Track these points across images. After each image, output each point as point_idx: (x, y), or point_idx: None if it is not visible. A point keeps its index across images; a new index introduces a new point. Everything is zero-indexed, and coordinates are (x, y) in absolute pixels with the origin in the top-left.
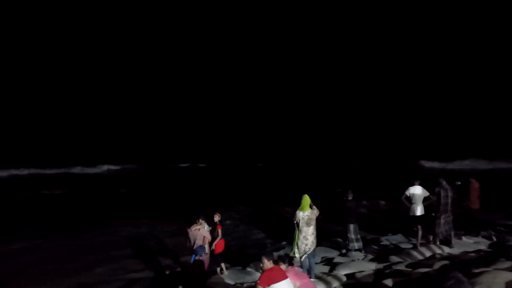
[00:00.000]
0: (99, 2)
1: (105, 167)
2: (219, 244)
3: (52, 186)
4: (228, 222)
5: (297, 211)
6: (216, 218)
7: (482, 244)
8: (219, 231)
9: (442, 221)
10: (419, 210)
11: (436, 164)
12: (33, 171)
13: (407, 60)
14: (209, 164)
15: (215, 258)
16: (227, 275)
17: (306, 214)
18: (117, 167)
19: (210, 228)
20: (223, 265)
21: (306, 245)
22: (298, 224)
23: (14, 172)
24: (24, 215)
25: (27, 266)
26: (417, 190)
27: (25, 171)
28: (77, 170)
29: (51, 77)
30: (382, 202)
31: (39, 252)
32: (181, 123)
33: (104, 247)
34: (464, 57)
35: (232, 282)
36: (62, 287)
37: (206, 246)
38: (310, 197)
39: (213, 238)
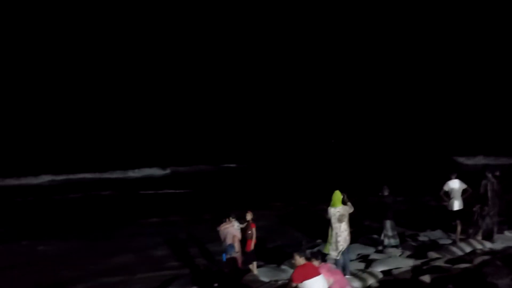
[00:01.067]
0: (99, 2)
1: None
2: (252, 242)
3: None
4: (263, 220)
5: (329, 208)
6: (249, 216)
7: None
8: (253, 229)
9: (488, 215)
10: (457, 205)
11: (469, 161)
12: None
13: (439, 58)
14: (244, 164)
15: (247, 256)
16: (257, 273)
17: (337, 210)
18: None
19: (243, 226)
20: (255, 263)
21: (339, 241)
22: (330, 221)
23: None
24: (69, 217)
25: (63, 265)
26: (455, 184)
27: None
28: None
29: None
30: (420, 198)
31: (72, 252)
32: (219, 123)
33: (140, 246)
34: (497, 55)
35: (266, 280)
36: (101, 286)
37: (236, 245)
38: (347, 194)
39: (247, 236)
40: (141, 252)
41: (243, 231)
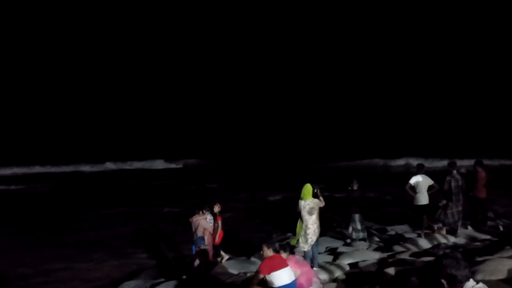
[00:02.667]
0: (99, 2)
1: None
2: (219, 235)
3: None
4: (233, 213)
5: (300, 200)
6: (216, 208)
7: (488, 233)
8: (219, 222)
9: (451, 210)
10: (423, 200)
11: (394, 162)
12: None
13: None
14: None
15: (216, 249)
16: (226, 264)
17: (307, 203)
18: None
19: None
20: (223, 253)
21: (308, 234)
22: (300, 213)
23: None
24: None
25: (27, 259)
26: (421, 179)
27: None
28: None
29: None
30: (387, 192)
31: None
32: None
33: (107, 238)
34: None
35: (235, 272)
36: (66, 278)
37: (206, 237)
38: (320, 188)
39: (213, 229)
40: (107, 243)
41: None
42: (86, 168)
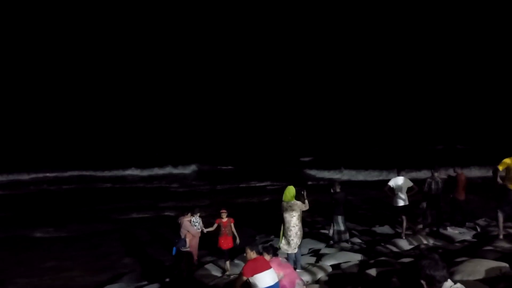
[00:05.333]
0: (99, 2)
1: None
2: (229, 240)
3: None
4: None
5: (282, 202)
6: (224, 215)
7: (467, 234)
8: (232, 225)
9: (431, 212)
10: (401, 201)
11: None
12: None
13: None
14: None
15: (223, 254)
16: (209, 267)
17: (289, 205)
18: None
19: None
20: (227, 263)
21: (290, 236)
22: (282, 215)
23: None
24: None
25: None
26: (400, 181)
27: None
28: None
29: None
30: (368, 195)
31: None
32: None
33: (90, 241)
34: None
35: (219, 274)
36: (45, 281)
37: (188, 240)
38: (306, 191)
39: (227, 233)
40: (91, 246)
41: (218, 228)
42: (86, 173)
